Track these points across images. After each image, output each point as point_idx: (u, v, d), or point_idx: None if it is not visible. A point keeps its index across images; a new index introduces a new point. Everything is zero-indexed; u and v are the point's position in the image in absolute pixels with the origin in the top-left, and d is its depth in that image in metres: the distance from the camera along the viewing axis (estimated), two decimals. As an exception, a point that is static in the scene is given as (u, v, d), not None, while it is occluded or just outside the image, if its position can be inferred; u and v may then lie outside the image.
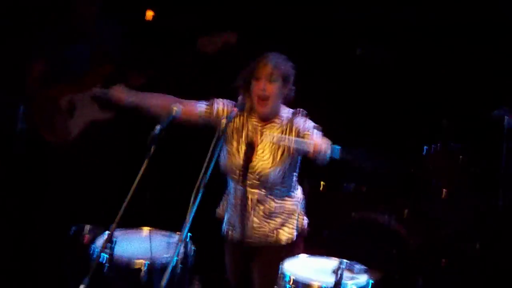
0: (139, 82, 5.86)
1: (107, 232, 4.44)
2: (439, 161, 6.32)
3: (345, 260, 4.41)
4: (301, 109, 4.66)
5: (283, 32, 6.72)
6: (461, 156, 6.20)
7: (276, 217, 4.64)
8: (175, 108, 4.51)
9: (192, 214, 4.23)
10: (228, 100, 4.71)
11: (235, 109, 4.54)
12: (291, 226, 4.67)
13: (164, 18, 7.49)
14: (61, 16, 6.33)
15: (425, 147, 6.25)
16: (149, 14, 7.03)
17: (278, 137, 4.59)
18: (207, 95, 4.90)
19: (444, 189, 6.24)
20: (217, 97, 4.76)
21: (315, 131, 4.57)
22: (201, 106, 4.70)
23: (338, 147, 4.47)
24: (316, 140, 4.45)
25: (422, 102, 6.78)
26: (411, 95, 6.80)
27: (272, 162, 4.55)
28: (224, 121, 4.50)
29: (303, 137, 4.52)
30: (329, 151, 4.43)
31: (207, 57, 5.89)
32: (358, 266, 4.49)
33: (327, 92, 6.45)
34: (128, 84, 5.55)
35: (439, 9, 6.82)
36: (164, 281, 4.13)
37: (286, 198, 4.67)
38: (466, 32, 6.72)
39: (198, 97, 4.95)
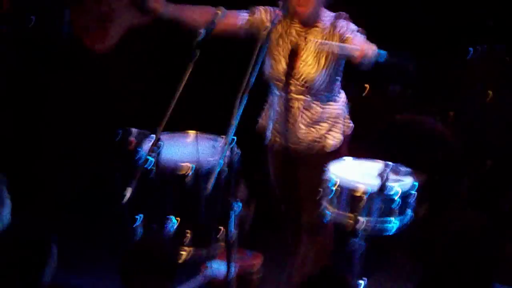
0: None
1: (153, 136, 4.50)
2: (484, 63, 6.32)
3: (390, 163, 4.45)
4: (343, 13, 4.62)
5: None
6: (507, 58, 6.19)
7: (322, 122, 4.65)
8: (219, 12, 4.47)
9: (237, 118, 4.28)
10: (270, 7, 4.69)
11: (279, 12, 4.50)
12: (337, 131, 4.69)
13: None
14: None
15: (470, 49, 6.24)
16: None
17: (323, 42, 4.58)
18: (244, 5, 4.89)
19: (489, 92, 6.23)
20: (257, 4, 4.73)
21: (359, 34, 4.55)
22: (243, 16, 4.69)
23: (384, 52, 4.47)
24: (361, 45, 4.44)
25: (467, 1, 6.69)
26: None
27: (317, 67, 4.53)
28: (268, 25, 4.52)
29: (345, 41, 4.52)
30: (374, 56, 4.45)
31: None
32: (403, 169, 4.51)
33: None
34: None
35: None
36: (210, 185, 4.21)
37: (331, 103, 4.68)
38: None
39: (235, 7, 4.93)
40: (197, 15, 4.79)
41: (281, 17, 4.55)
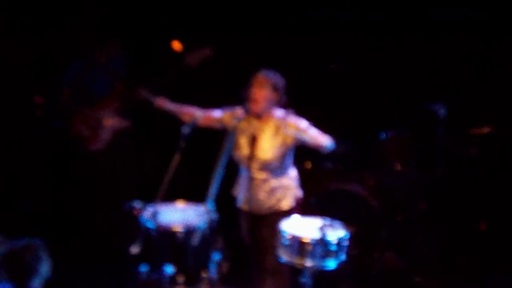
0: (144, 95, 5.48)
1: (152, 206, 4.48)
2: (393, 143, 6.22)
3: (328, 219, 4.47)
4: (290, 109, 4.55)
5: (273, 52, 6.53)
6: (409, 140, 6.18)
7: (277, 192, 4.62)
8: (196, 115, 4.54)
9: (215, 190, 4.29)
10: (234, 107, 4.67)
11: (242, 112, 4.52)
12: (289, 197, 4.64)
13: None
14: (86, 54, 6.10)
15: (383, 133, 6.20)
16: (177, 45, 6.37)
17: (294, 132, 4.49)
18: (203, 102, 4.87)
19: (397, 164, 6.17)
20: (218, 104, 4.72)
21: (312, 127, 4.53)
22: (218, 113, 4.67)
23: (333, 142, 4.46)
24: (318, 136, 4.45)
25: (381, 102, 6.64)
26: (372, 96, 6.64)
27: (271, 152, 4.49)
28: (234, 122, 4.50)
29: (302, 132, 4.47)
30: (329, 145, 4.45)
31: (191, 69, 5.59)
32: (337, 223, 4.52)
33: (309, 98, 6.19)
34: (137, 96, 5.54)
35: (381, 9, 6.58)
36: (196, 240, 4.32)
37: (284, 177, 4.62)
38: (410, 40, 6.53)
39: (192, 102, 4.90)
40: (188, 110, 4.75)
41: (243, 115, 4.51)
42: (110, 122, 5.91)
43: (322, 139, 4.43)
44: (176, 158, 4.40)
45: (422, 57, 6.49)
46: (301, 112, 4.54)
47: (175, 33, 6.77)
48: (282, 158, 4.47)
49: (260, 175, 4.50)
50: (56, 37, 7.05)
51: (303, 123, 4.46)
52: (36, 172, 6.64)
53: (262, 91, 4.42)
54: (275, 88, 4.45)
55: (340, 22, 6.67)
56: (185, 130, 4.42)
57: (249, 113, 4.49)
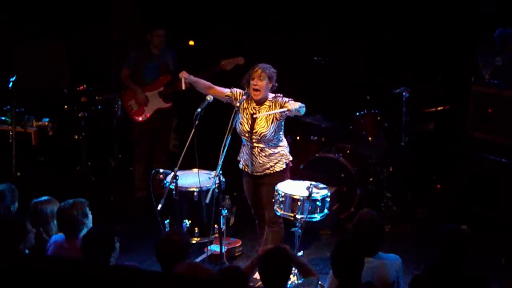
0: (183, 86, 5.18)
1: (172, 172, 4.43)
2: (365, 120, 6.14)
3: (313, 182, 4.49)
4: (279, 94, 4.60)
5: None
6: (378, 117, 6.12)
7: (272, 157, 4.59)
8: (208, 98, 4.47)
9: (222, 159, 4.28)
10: (240, 89, 4.62)
11: (244, 96, 4.48)
12: (282, 162, 4.61)
13: (201, 45, 7.14)
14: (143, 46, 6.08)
15: (357, 112, 6.16)
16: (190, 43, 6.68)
17: (280, 109, 4.46)
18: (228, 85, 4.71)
19: (369, 137, 6.10)
20: (234, 87, 4.62)
21: (291, 100, 4.51)
22: (226, 90, 4.60)
23: (303, 104, 4.39)
24: (292, 103, 4.40)
25: (356, 88, 6.53)
26: (349, 84, 6.59)
27: (266, 127, 4.49)
28: (238, 104, 4.48)
29: (284, 104, 4.44)
30: (299, 107, 4.37)
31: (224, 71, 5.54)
32: (321, 185, 4.54)
33: (296, 83, 6.16)
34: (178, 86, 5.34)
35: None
36: (207, 199, 4.31)
37: (278, 146, 4.60)
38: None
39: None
40: (206, 85, 4.69)
41: (245, 98, 4.50)
42: (155, 102, 5.91)
43: (297, 106, 4.41)
44: (192, 132, 4.38)
45: (390, 52, 6.52)
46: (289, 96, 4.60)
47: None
48: (275, 132, 4.48)
49: (258, 145, 4.49)
50: (95, 35, 7.04)
51: (285, 99, 4.50)
52: (83, 145, 6.58)
53: (262, 82, 4.42)
54: (270, 78, 4.46)
55: (321, 22, 6.70)
56: (198, 110, 4.39)
57: (251, 98, 4.50)
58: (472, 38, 5.99)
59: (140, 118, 5.95)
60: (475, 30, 6.03)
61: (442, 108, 6.12)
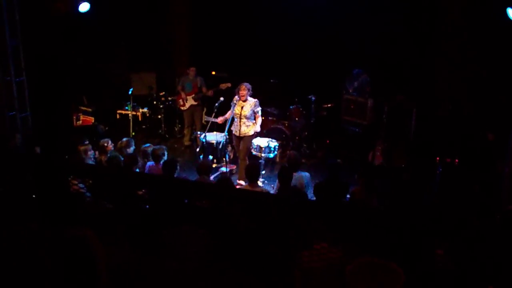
0: (209, 94, 7.20)
1: (203, 133, 6.46)
2: (294, 110, 7.70)
3: (269, 139, 6.34)
4: (256, 99, 6.02)
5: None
6: (300, 108, 7.48)
7: (249, 127, 6.28)
8: (221, 98, 6.49)
9: (227, 128, 6.38)
10: (236, 96, 6.19)
11: (236, 98, 6.30)
12: (253, 130, 6.31)
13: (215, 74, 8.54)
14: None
15: (290, 106, 7.50)
16: (212, 72, 8.68)
17: (254, 106, 5.80)
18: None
19: (296, 118, 7.65)
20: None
21: (257, 101, 5.94)
22: (234, 101, 6.24)
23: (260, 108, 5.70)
24: (258, 118, 5.96)
25: (289, 93, 7.91)
26: (287, 92, 8.09)
27: (247, 111, 6.22)
28: (235, 102, 6.32)
29: (256, 112, 5.86)
30: (259, 111, 5.88)
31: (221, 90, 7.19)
32: (273, 140, 6.45)
33: (262, 92, 7.47)
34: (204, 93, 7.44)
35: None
36: (220, 145, 6.43)
37: (252, 123, 6.33)
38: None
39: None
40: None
41: (237, 100, 6.23)
42: (190, 100, 7.89)
43: (259, 109, 6.12)
44: (213, 114, 6.52)
45: (308, 75, 8.01)
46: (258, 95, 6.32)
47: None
48: (252, 114, 6.39)
49: (243, 120, 6.37)
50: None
51: (258, 107, 6.14)
52: (162, 121, 8.35)
53: (244, 92, 6.38)
54: (249, 90, 6.40)
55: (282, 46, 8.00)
56: (216, 105, 6.50)
57: (240, 99, 6.36)
58: (343, 71, 7.76)
59: (183, 108, 8.18)
60: (345, 66, 7.71)
61: (330, 105, 8.12)
